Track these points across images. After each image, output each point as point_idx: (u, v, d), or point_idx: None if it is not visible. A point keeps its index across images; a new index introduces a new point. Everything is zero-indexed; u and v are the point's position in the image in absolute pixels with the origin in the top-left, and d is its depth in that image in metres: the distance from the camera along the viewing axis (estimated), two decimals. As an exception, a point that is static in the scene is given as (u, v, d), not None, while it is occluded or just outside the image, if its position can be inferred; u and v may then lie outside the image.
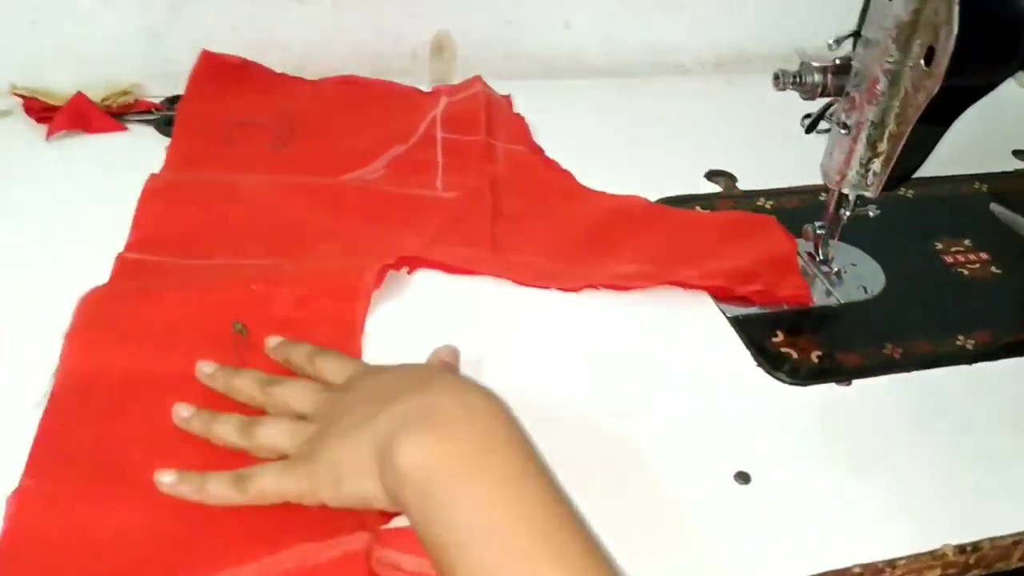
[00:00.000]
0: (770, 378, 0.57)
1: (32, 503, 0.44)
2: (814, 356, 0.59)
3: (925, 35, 0.53)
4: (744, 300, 0.62)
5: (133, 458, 0.46)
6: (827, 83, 0.60)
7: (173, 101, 0.75)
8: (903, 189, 0.75)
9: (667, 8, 0.86)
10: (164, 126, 0.72)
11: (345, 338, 0.55)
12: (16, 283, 0.57)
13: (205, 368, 0.51)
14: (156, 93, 0.75)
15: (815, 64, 0.60)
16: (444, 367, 0.52)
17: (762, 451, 0.52)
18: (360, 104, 0.77)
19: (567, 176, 0.73)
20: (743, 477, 0.50)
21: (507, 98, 0.80)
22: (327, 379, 0.51)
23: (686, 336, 0.59)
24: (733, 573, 0.45)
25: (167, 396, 0.49)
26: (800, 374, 0.57)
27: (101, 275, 0.57)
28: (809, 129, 0.67)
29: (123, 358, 0.51)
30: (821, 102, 0.64)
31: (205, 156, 0.69)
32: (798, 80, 0.60)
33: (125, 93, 0.74)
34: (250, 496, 0.45)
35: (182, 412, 0.49)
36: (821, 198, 0.72)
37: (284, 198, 0.65)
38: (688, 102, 0.85)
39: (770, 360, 0.58)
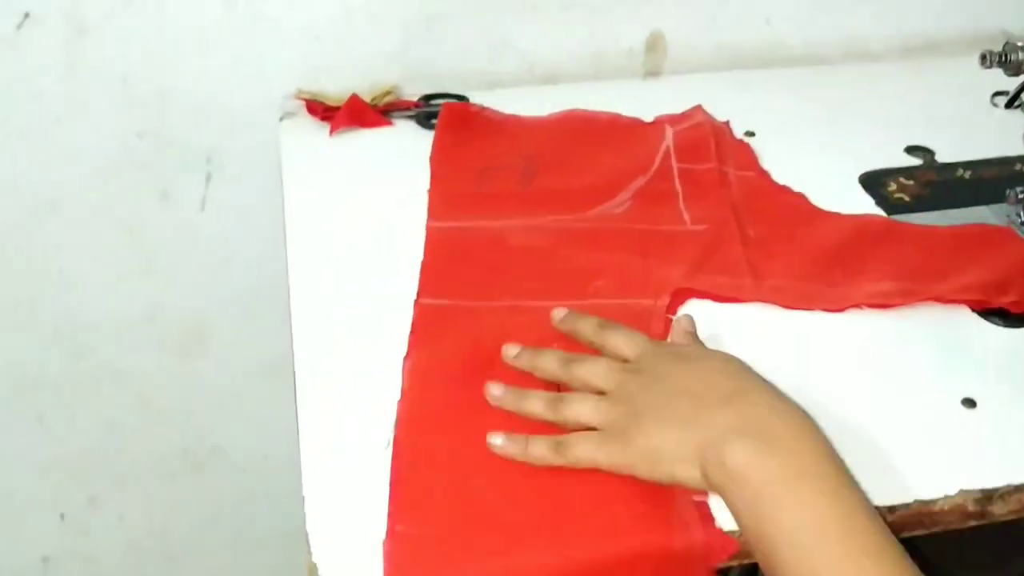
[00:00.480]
0: (985, 322, 0.65)
1: (408, 546, 0.49)
2: (1024, 304, 0.66)
3: None
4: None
5: (485, 497, 0.52)
6: (1032, 61, 0.67)
7: (428, 98, 0.87)
8: (1096, 156, 0.81)
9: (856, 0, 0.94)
10: (423, 120, 0.84)
11: None
12: (328, 267, 0.70)
13: (510, 351, 0.59)
14: (413, 92, 0.87)
15: (1020, 44, 0.67)
16: (745, 371, 0.54)
17: (983, 382, 0.60)
18: (591, 138, 0.82)
19: (801, 198, 0.75)
20: (969, 403, 0.58)
21: (726, 124, 0.83)
22: (617, 352, 0.57)
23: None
24: (964, 479, 0.54)
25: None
26: (1011, 318, 0.65)
27: (393, 251, 0.69)
28: (1009, 104, 0.74)
29: (448, 408, 0.57)
30: (1014, 81, 0.71)
31: (462, 200, 0.75)
32: (1004, 59, 0.67)
33: (388, 93, 0.86)
34: (567, 460, 0.52)
35: (494, 391, 0.56)
36: (1016, 168, 0.79)
37: (548, 240, 0.71)
38: (880, 85, 0.92)
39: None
